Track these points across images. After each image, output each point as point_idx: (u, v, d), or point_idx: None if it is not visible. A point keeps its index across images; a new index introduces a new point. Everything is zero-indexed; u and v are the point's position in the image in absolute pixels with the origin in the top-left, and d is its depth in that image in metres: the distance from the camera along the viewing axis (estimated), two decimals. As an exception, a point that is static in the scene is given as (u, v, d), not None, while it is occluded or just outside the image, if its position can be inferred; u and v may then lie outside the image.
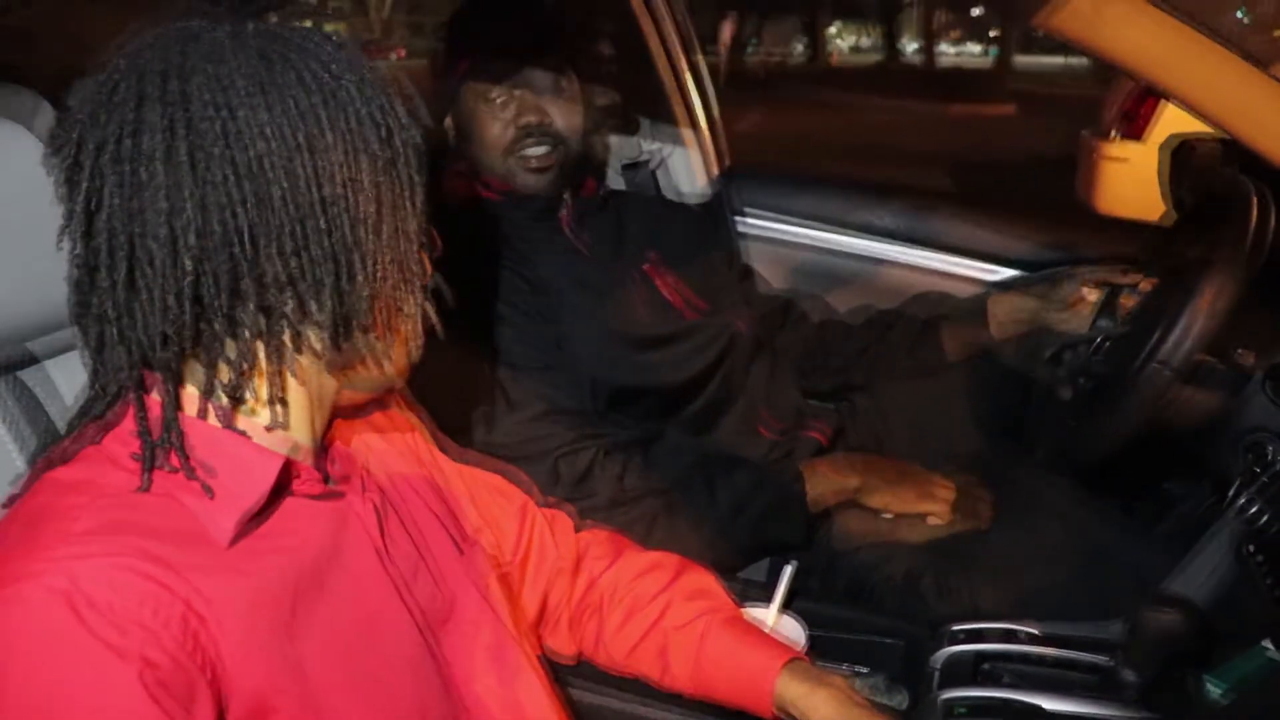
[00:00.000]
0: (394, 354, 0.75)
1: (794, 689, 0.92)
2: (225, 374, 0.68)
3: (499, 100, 1.38)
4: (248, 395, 0.70)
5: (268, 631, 0.66)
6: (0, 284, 0.77)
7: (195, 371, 0.68)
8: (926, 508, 1.38)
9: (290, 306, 0.67)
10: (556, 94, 1.40)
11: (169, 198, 0.63)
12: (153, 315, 0.65)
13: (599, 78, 1.85)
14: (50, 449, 0.70)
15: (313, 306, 0.67)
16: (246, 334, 0.67)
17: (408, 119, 0.72)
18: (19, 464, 0.79)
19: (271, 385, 0.70)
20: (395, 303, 0.72)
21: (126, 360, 0.67)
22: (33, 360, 0.84)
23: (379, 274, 0.70)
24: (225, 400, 0.69)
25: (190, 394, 0.69)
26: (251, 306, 0.66)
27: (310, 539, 0.73)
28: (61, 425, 0.73)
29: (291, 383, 0.71)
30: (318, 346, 0.70)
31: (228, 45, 0.65)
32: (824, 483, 1.36)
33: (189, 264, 0.64)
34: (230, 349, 0.68)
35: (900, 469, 1.42)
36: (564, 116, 1.40)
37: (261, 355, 0.69)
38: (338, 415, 0.80)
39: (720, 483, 1.31)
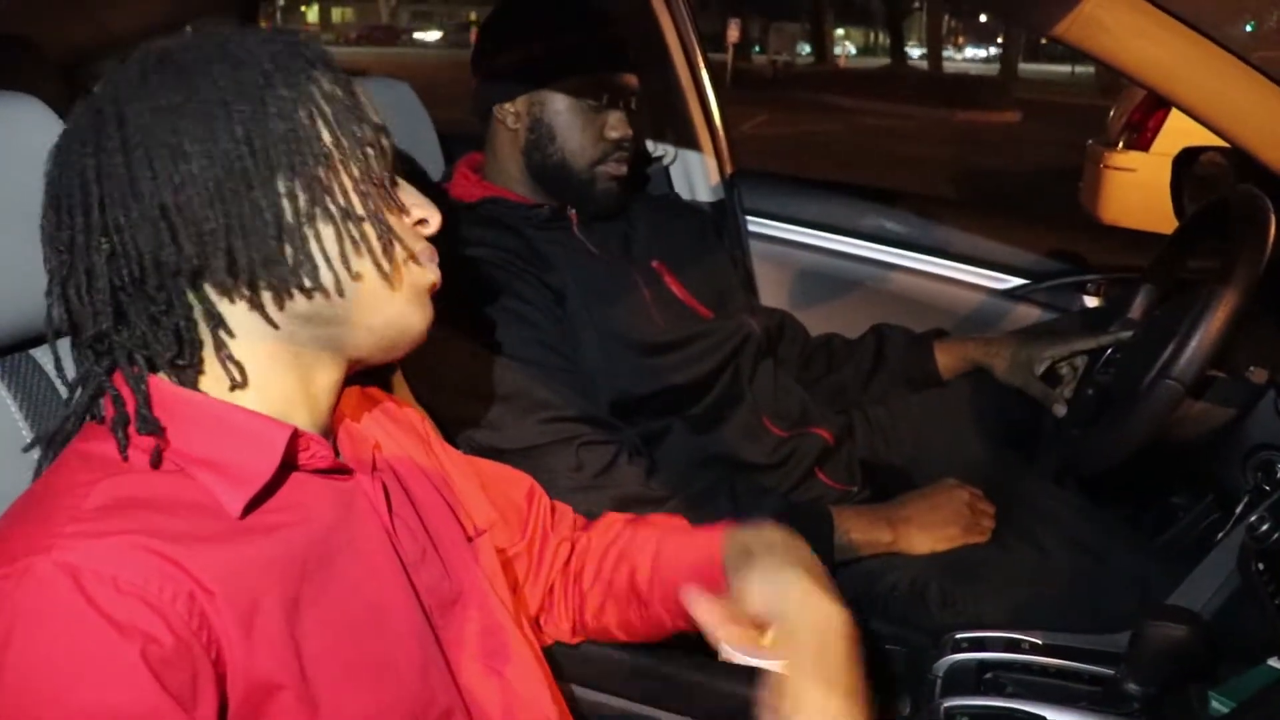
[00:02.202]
0: (388, 306, 0.74)
1: (745, 533, 0.90)
2: (173, 345, 0.69)
3: (597, 111, 1.40)
4: (220, 368, 0.70)
5: (275, 607, 0.66)
6: (7, 261, 0.77)
7: (159, 348, 0.69)
8: (975, 539, 1.34)
9: (220, 265, 0.67)
10: (629, 110, 1.44)
11: (113, 189, 0.66)
12: (87, 299, 0.67)
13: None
14: (55, 435, 0.71)
15: (241, 260, 0.67)
16: (183, 303, 0.68)
17: (334, 67, 0.72)
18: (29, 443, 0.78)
19: (220, 350, 0.70)
20: (352, 245, 0.70)
21: (92, 356, 0.69)
22: (42, 339, 0.84)
23: (314, 216, 0.69)
24: (185, 371, 0.69)
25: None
26: (182, 272, 0.67)
27: (319, 514, 0.72)
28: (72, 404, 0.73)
29: (261, 351, 0.71)
30: (264, 307, 0.69)
31: (151, 50, 0.69)
32: (856, 531, 1.32)
33: (102, 241, 0.66)
34: (179, 321, 0.68)
35: (932, 504, 1.37)
36: (634, 132, 1.44)
37: (205, 322, 0.69)
38: (352, 381, 0.80)
39: (745, 502, 1.30)
